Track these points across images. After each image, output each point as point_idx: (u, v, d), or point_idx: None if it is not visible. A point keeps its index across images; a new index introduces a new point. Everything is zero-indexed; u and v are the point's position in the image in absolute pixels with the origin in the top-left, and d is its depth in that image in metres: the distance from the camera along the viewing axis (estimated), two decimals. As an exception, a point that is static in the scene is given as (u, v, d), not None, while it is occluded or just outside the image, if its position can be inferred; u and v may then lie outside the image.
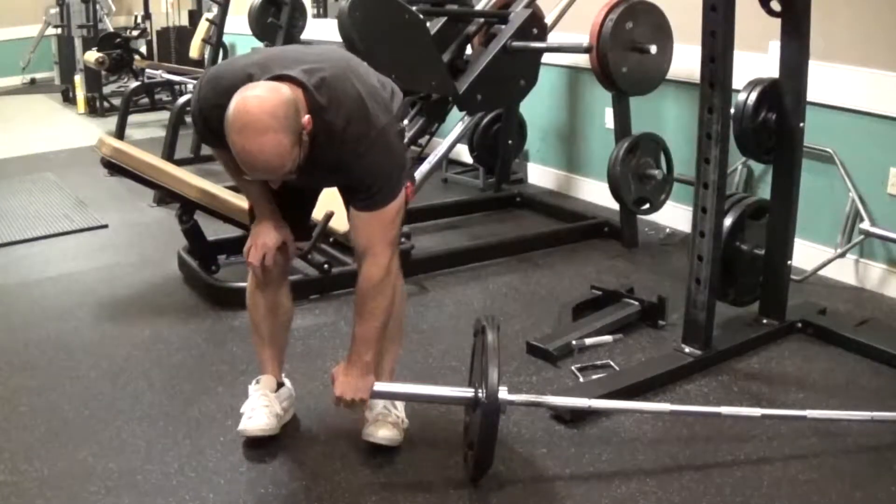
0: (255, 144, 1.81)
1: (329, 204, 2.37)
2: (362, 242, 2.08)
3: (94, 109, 7.30)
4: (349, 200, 2.10)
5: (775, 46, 2.79)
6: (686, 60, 3.58)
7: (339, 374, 2.14)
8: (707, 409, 2.39)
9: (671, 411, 2.35)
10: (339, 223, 2.35)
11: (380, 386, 2.16)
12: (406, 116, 2.26)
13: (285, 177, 1.92)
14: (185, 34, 7.40)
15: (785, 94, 2.76)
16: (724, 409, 2.30)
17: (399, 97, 2.19)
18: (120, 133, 5.64)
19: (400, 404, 2.33)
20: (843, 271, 3.45)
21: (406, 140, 2.28)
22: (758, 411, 2.32)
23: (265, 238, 2.20)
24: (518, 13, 3.69)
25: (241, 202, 3.37)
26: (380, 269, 2.06)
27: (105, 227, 4.28)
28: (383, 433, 2.26)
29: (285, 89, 1.88)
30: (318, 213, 2.55)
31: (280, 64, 1.97)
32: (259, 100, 1.83)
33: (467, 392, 2.14)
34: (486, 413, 2.00)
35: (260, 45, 5.71)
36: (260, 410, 2.29)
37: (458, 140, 4.47)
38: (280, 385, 2.39)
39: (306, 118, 1.89)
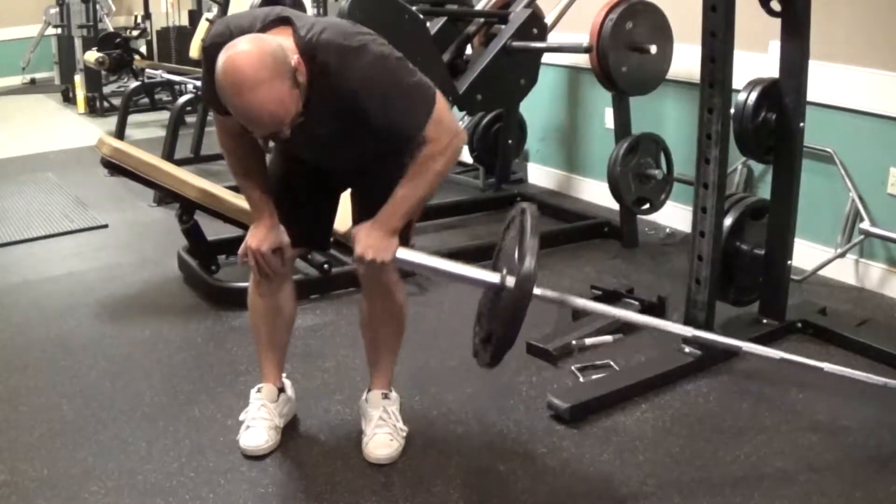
0: (255, 100, 1.77)
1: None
2: (428, 136, 1.95)
3: (94, 109, 7.30)
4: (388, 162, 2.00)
5: (775, 46, 2.79)
6: (686, 60, 3.58)
7: (361, 232, 2.01)
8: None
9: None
10: (340, 223, 2.34)
11: (403, 252, 2.00)
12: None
13: (293, 123, 1.86)
14: (185, 34, 7.40)
15: (785, 94, 2.76)
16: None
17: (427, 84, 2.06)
18: (120, 133, 5.64)
19: (397, 409, 2.33)
20: (843, 271, 3.45)
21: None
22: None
23: (258, 241, 2.15)
24: (518, 13, 3.69)
25: (242, 202, 3.38)
26: (448, 137, 1.96)
27: (105, 227, 4.28)
28: (381, 452, 2.25)
29: (266, 37, 1.83)
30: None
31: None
32: (245, 54, 1.77)
33: (493, 276, 2.00)
34: (519, 290, 1.86)
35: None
36: (259, 424, 2.28)
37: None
38: (280, 391, 2.37)
39: (295, 58, 1.83)
